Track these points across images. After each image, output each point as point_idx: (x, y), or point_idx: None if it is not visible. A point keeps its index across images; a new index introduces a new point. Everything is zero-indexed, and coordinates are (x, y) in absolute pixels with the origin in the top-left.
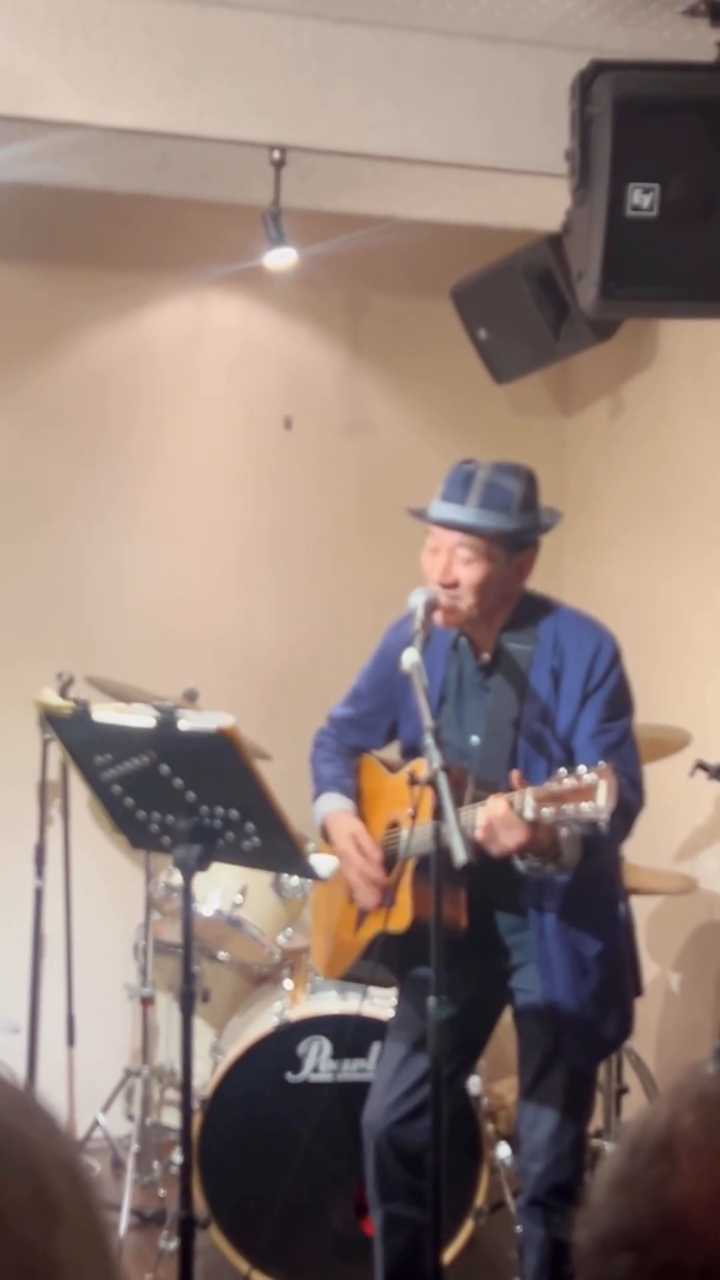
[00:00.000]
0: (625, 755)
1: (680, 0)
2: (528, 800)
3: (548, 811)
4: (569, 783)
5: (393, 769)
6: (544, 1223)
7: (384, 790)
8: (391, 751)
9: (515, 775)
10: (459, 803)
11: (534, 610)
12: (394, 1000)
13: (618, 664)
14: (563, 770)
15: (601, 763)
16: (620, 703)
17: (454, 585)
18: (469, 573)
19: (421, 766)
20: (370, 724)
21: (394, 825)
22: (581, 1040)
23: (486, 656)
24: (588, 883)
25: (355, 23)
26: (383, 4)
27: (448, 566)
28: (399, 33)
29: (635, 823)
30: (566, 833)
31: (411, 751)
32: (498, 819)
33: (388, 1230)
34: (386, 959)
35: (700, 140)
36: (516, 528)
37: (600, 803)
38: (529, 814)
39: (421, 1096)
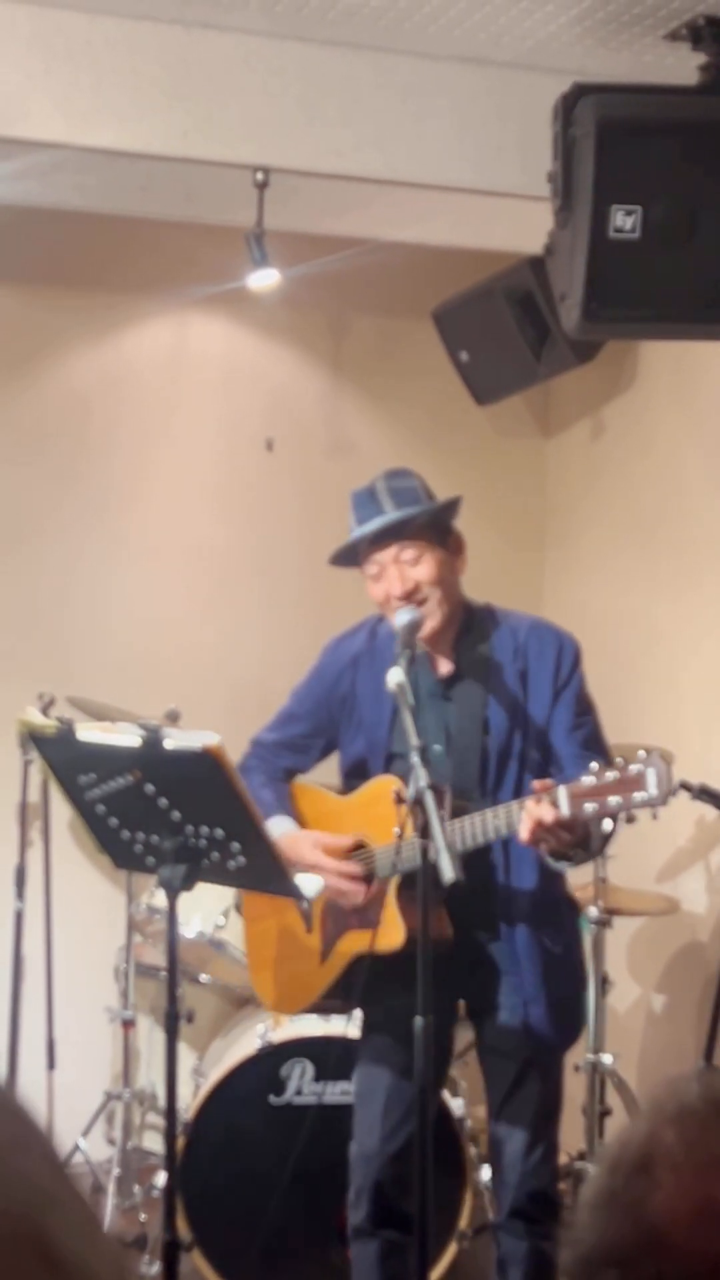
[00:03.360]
0: (605, 747)
1: (662, 24)
2: (562, 798)
3: (591, 807)
4: (610, 775)
5: (339, 794)
6: (526, 1235)
7: (335, 814)
8: (326, 774)
9: (538, 783)
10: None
11: (485, 619)
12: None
13: (580, 662)
14: (595, 764)
15: (642, 751)
16: (588, 698)
17: (415, 590)
18: (422, 570)
19: (387, 783)
20: (305, 746)
21: (359, 846)
22: (556, 1038)
23: (446, 669)
24: (554, 882)
25: (338, 45)
26: (366, 27)
27: (400, 576)
28: (382, 55)
29: None
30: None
31: (356, 770)
32: (546, 824)
33: (385, 1255)
34: (366, 984)
35: (682, 162)
36: (438, 507)
37: (652, 791)
38: (566, 812)
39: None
